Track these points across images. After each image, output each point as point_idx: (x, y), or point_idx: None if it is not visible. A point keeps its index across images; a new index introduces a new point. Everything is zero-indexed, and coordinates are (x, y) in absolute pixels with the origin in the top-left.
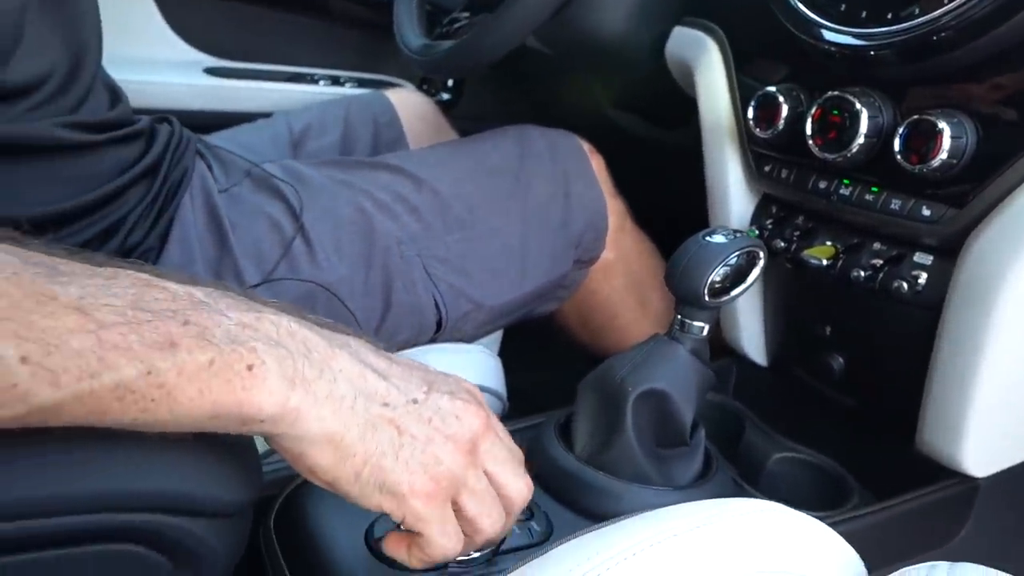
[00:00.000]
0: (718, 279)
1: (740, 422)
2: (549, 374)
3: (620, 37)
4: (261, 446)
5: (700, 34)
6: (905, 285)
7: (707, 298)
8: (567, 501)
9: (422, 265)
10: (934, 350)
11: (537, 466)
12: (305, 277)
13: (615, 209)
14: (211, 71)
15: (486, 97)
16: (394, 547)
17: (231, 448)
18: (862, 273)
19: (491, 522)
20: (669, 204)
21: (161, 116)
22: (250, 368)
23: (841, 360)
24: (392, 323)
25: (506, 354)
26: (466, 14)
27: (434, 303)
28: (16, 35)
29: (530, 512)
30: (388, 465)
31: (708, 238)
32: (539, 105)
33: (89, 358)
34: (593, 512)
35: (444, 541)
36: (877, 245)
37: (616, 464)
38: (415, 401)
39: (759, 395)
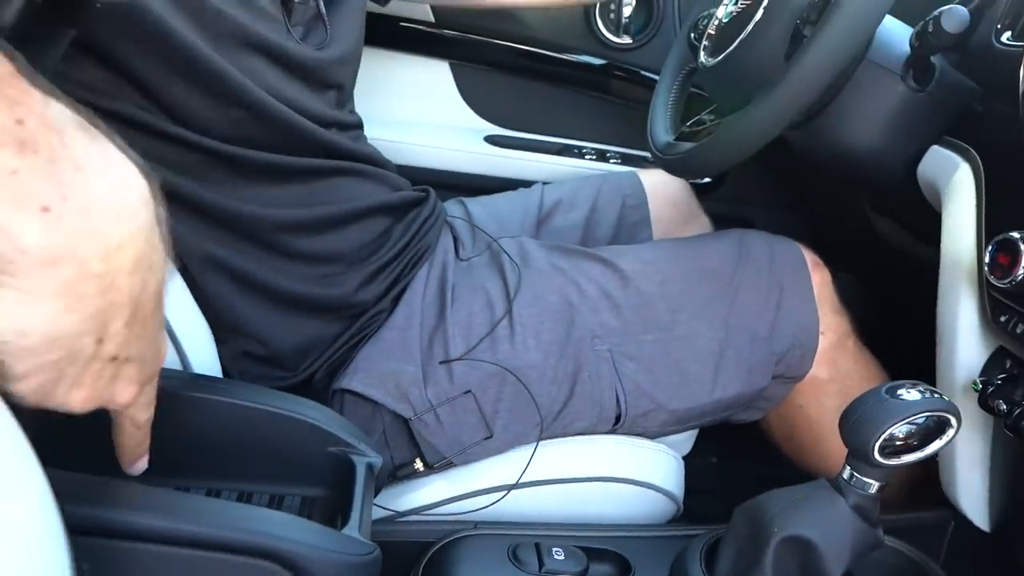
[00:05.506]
0: (901, 435)
1: None
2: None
3: (871, 152)
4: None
5: (954, 156)
6: None
7: (877, 456)
8: None
9: (611, 360)
10: None
11: None
12: (502, 358)
13: (835, 327)
14: (490, 139)
15: (749, 181)
16: None
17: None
18: None
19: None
20: (924, 326)
21: (422, 188)
22: None
23: None
24: (572, 411)
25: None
26: (711, 117)
27: (616, 398)
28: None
29: None
30: None
31: (891, 393)
32: (800, 194)
33: None
34: None
35: None
36: None
37: None
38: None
39: (975, 565)
